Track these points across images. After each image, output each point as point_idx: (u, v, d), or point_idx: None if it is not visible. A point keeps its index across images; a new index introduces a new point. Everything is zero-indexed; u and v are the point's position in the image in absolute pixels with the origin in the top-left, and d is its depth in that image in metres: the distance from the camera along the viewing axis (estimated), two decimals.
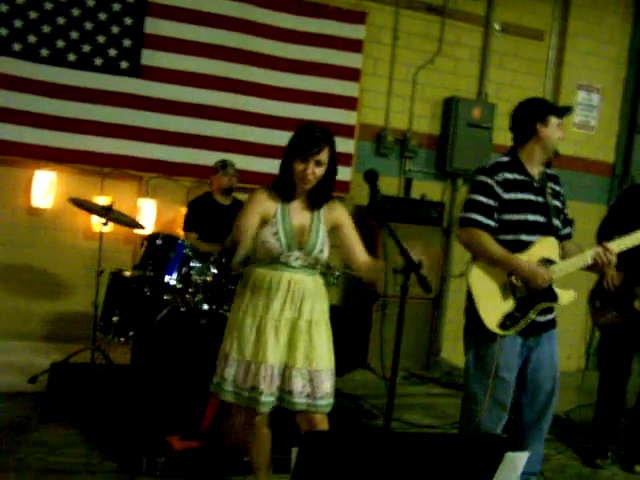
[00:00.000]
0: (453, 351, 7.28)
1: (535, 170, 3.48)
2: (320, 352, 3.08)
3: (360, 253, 3.22)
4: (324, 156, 3.05)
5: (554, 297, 3.40)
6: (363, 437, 1.78)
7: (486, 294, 3.45)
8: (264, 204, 3.12)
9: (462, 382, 6.30)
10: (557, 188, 3.54)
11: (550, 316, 3.55)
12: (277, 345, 3.06)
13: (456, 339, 7.29)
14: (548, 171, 3.56)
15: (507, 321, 3.42)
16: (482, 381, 3.50)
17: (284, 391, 3.08)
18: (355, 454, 1.76)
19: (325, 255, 3.15)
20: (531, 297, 3.40)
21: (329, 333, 3.17)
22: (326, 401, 3.10)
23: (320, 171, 3.06)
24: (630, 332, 4.42)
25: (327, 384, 3.09)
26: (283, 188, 3.12)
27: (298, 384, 3.05)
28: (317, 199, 3.12)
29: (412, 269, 2.38)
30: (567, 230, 3.55)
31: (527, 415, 3.64)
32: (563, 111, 3.55)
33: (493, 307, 3.43)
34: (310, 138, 3.04)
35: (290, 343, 3.08)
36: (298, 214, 3.14)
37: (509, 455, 1.84)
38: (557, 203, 3.49)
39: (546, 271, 3.32)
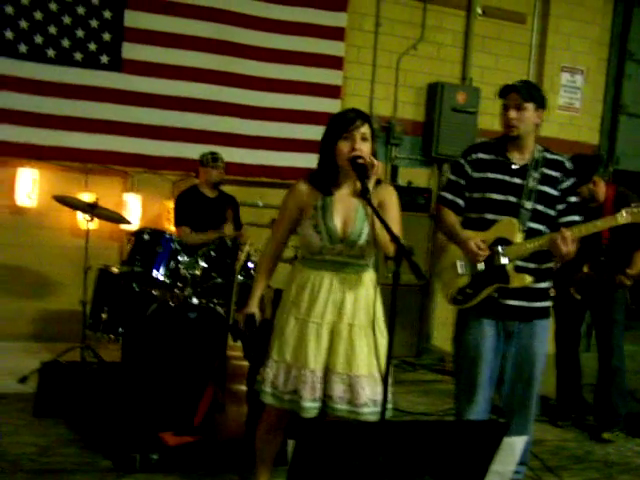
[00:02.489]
0: (444, 337, 7.28)
1: (520, 152, 3.44)
2: (361, 357, 2.95)
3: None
4: (367, 130, 2.93)
5: (506, 279, 3.35)
6: (360, 427, 1.76)
7: (447, 268, 3.55)
8: (304, 197, 3.02)
9: (452, 368, 6.41)
10: (553, 174, 3.42)
11: (533, 304, 3.44)
12: (318, 349, 2.95)
13: (446, 325, 7.32)
14: (549, 156, 3.46)
15: (459, 295, 3.48)
16: (456, 362, 3.62)
17: (326, 396, 2.97)
18: (352, 444, 1.74)
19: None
20: (485, 276, 3.38)
21: (375, 337, 2.90)
22: (369, 409, 2.93)
23: (367, 147, 2.91)
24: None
25: (369, 391, 2.93)
26: (325, 179, 3.01)
27: (338, 389, 2.93)
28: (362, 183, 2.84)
29: (404, 256, 2.35)
30: (568, 219, 3.40)
31: (507, 405, 3.60)
32: (503, 91, 3.40)
33: (450, 281, 3.52)
34: (347, 115, 2.96)
35: (331, 347, 2.97)
36: (342, 204, 2.99)
37: (507, 440, 1.83)
38: (545, 188, 3.39)
39: (480, 247, 3.28)
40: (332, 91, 6.62)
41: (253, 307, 3.17)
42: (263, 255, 3.22)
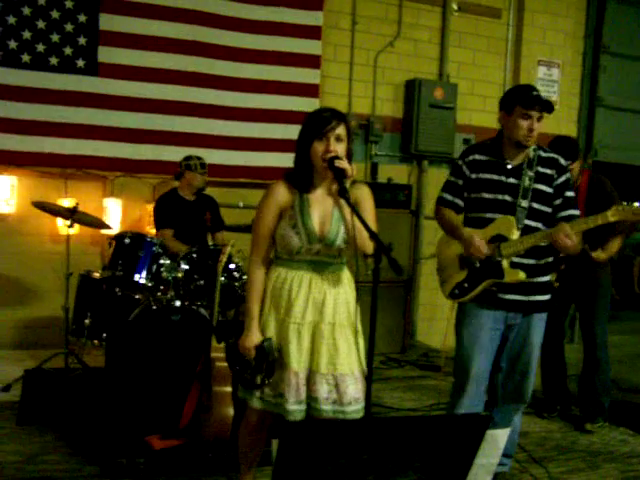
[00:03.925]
0: (428, 333, 7.33)
1: (516, 153, 3.47)
2: (343, 356, 2.93)
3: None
4: (342, 131, 2.91)
5: (501, 274, 3.42)
6: (343, 425, 1.76)
7: (446, 264, 3.68)
8: (282, 197, 2.97)
9: (438, 363, 6.44)
10: (548, 171, 3.47)
11: (532, 297, 3.51)
12: (300, 350, 2.93)
13: (430, 320, 7.37)
14: (544, 154, 3.51)
15: (456, 290, 3.59)
16: (456, 352, 3.66)
17: (310, 398, 2.93)
18: (337, 442, 1.75)
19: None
20: (480, 271, 3.47)
21: (356, 335, 2.96)
22: (353, 407, 2.92)
23: (342, 148, 2.89)
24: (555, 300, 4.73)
25: (353, 388, 2.92)
26: (301, 178, 2.97)
27: (323, 390, 2.90)
28: (340, 183, 2.83)
29: (382, 252, 2.35)
30: (566, 213, 3.46)
31: (500, 397, 3.72)
32: (531, 103, 3.36)
33: (449, 276, 3.65)
34: (323, 116, 2.92)
35: (313, 348, 2.94)
36: (318, 204, 2.96)
37: (490, 433, 1.84)
38: (540, 186, 3.44)
39: (479, 243, 3.37)
40: (310, 90, 6.63)
41: (257, 333, 2.99)
42: (252, 272, 3.03)
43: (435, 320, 7.29)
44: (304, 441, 1.71)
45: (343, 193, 2.75)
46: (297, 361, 2.92)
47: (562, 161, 3.54)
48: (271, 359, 2.91)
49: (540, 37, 7.50)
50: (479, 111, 7.42)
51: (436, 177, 7.07)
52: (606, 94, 7.93)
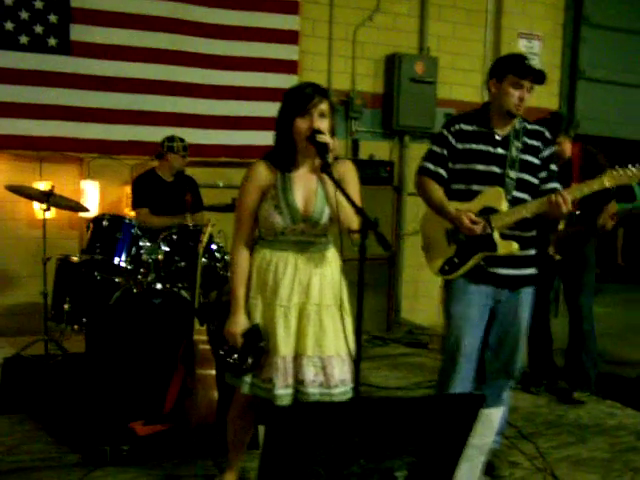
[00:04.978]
0: (412, 310, 7.28)
1: (504, 123, 3.40)
2: (330, 338, 2.86)
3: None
4: (325, 107, 2.80)
5: (493, 247, 3.36)
6: (332, 407, 1.69)
7: (433, 240, 3.58)
8: (263, 177, 2.88)
9: (424, 340, 6.41)
10: (535, 143, 3.42)
11: (522, 271, 3.47)
12: (287, 333, 2.85)
13: (414, 297, 7.32)
14: (529, 126, 3.46)
15: (445, 266, 3.50)
16: (446, 329, 3.58)
17: (297, 381, 2.87)
18: (326, 425, 1.68)
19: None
20: (470, 245, 3.40)
21: (343, 316, 2.88)
22: (339, 389, 2.87)
23: (326, 124, 2.79)
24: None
25: (339, 370, 2.86)
26: (282, 157, 2.88)
27: (310, 373, 2.83)
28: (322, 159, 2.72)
29: (369, 227, 2.28)
30: (551, 185, 3.41)
31: (488, 373, 3.65)
32: (524, 72, 3.29)
33: (437, 252, 3.55)
34: (305, 92, 2.81)
35: (299, 330, 2.87)
36: (301, 182, 2.88)
37: (484, 412, 1.78)
38: (527, 157, 3.39)
39: (469, 224, 3.28)
40: (289, 66, 6.50)
41: (244, 318, 2.91)
42: (236, 254, 2.94)
43: (419, 297, 7.25)
44: (292, 426, 1.64)
45: (325, 168, 2.66)
46: (285, 345, 2.85)
47: (547, 134, 3.50)
48: (262, 344, 2.84)
49: (520, 8, 7.42)
50: (460, 85, 7.33)
51: (418, 152, 6.87)
52: (587, 66, 7.86)
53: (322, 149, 2.70)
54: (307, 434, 1.65)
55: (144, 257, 4.57)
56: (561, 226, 4.70)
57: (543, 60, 7.53)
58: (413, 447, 1.79)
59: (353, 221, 2.69)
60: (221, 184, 5.65)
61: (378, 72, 7.03)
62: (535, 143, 3.43)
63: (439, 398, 2.32)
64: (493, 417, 1.79)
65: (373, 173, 6.62)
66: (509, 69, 3.33)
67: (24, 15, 5.63)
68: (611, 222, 4.62)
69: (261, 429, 1.62)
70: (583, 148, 4.72)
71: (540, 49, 7.54)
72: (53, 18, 5.71)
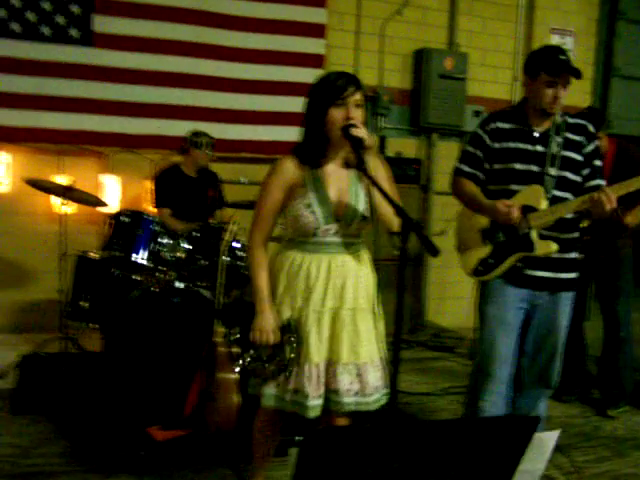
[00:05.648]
0: (438, 312, 7.10)
1: (542, 120, 3.23)
2: (365, 343, 2.71)
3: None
4: (360, 97, 2.64)
5: (531, 247, 3.19)
6: (370, 430, 1.53)
7: (467, 240, 3.45)
8: (291, 173, 2.69)
9: (449, 344, 6.22)
10: (577, 138, 3.24)
11: (560, 275, 3.29)
12: (320, 340, 2.68)
13: (441, 299, 7.14)
14: (570, 120, 3.28)
15: (480, 267, 3.36)
16: (480, 333, 3.43)
17: (329, 391, 2.71)
18: (363, 450, 1.51)
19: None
20: (508, 245, 3.25)
21: (377, 319, 2.77)
22: (376, 396, 2.74)
23: (361, 115, 2.63)
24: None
25: (372, 377, 2.72)
26: (312, 152, 2.69)
27: (345, 381, 2.68)
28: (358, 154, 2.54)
29: (412, 230, 2.10)
30: (594, 182, 3.24)
31: (524, 382, 3.48)
32: (556, 70, 3.11)
33: (472, 253, 3.41)
34: (338, 82, 2.63)
35: (333, 336, 2.71)
36: (333, 179, 2.71)
37: (538, 436, 1.61)
38: (569, 154, 3.21)
39: (505, 209, 3.10)
40: (315, 60, 6.33)
41: (273, 314, 2.73)
42: (256, 251, 2.76)
43: (446, 299, 7.06)
44: (326, 450, 1.47)
45: (361, 165, 2.48)
46: (317, 352, 2.68)
47: (591, 128, 3.31)
48: (299, 341, 2.67)
49: (553, 3, 7.19)
50: (490, 82, 7.12)
51: (446, 151, 6.81)
52: (622, 64, 7.62)
53: (357, 144, 2.53)
54: (342, 459, 1.49)
55: (164, 255, 4.43)
56: (585, 224, 4.50)
57: (576, 56, 7.29)
58: (457, 473, 1.62)
59: (393, 222, 2.52)
60: (244, 180, 5.49)
61: (406, 67, 6.84)
62: (578, 138, 3.25)
63: (489, 420, 2.15)
64: (548, 442, 1.61)
65: (400, 171, 6.45)
66: (542, 67, 3.15)
67: (46, 6, 5.50)
68: (636, 220, 4.40)
69: (292, 452, 1.45)
70: (616, 143, 4.53)
71: (573, 45, 7.30)
72: (75, 9, 5.59)
